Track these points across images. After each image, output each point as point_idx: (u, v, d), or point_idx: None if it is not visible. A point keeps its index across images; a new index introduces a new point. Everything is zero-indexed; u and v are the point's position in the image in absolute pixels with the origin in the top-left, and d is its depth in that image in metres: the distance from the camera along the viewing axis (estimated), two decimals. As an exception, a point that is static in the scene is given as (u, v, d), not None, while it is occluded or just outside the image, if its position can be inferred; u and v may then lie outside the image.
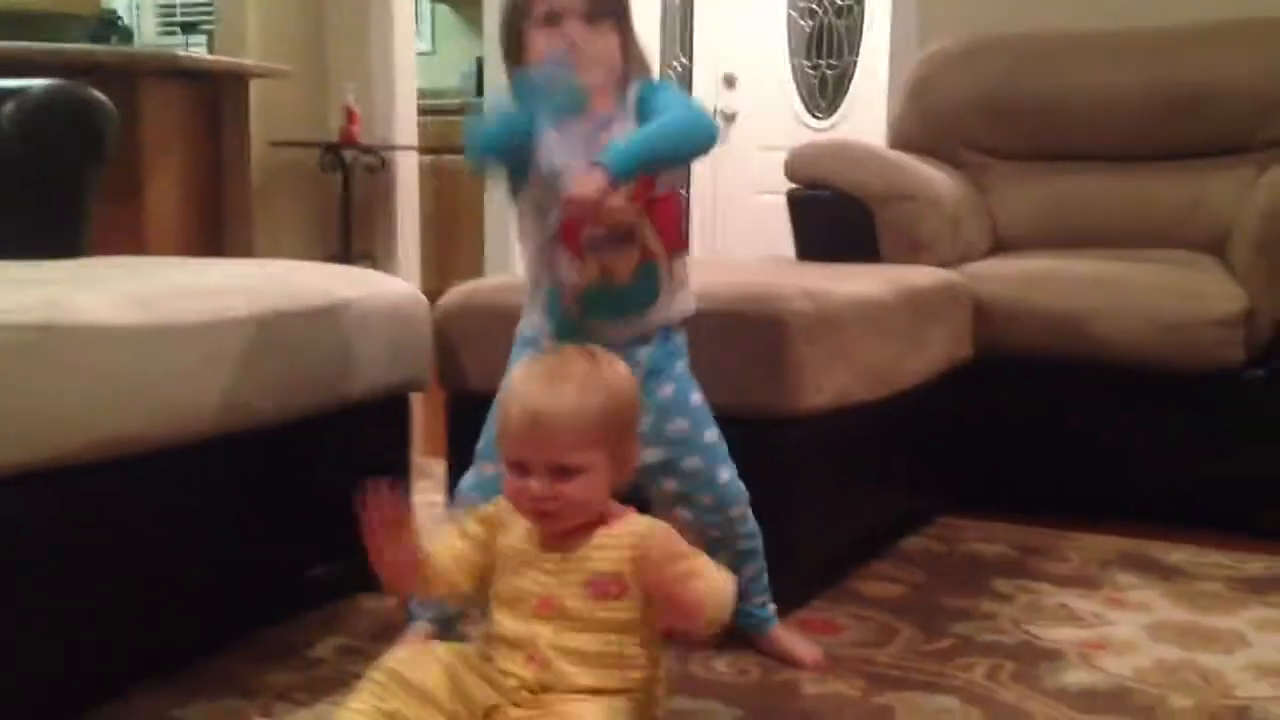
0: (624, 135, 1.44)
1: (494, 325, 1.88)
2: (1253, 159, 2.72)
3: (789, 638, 1.70)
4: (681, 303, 1.58)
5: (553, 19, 1.47)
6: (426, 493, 2.19)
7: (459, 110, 5.46)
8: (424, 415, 2.30)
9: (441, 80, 6.19)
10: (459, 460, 1.79)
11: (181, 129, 4.06)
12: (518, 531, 1.28)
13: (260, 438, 1.64)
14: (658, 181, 1.51)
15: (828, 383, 1.81)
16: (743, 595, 1.57)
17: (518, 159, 1.47)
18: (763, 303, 1.78)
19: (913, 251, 2.55)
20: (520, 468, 1.22)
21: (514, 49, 1.52)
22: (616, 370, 1.28)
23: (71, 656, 1.44)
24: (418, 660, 1.24)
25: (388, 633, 1.71)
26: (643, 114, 1.49)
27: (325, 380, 1.73)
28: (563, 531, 1.25)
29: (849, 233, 2.57)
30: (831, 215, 2.60)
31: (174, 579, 1.57)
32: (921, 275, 2.29)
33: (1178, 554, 2.19)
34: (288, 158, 4.36)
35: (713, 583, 1.20)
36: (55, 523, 1.38)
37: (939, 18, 3.35)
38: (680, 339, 1.61)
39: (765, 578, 1.68)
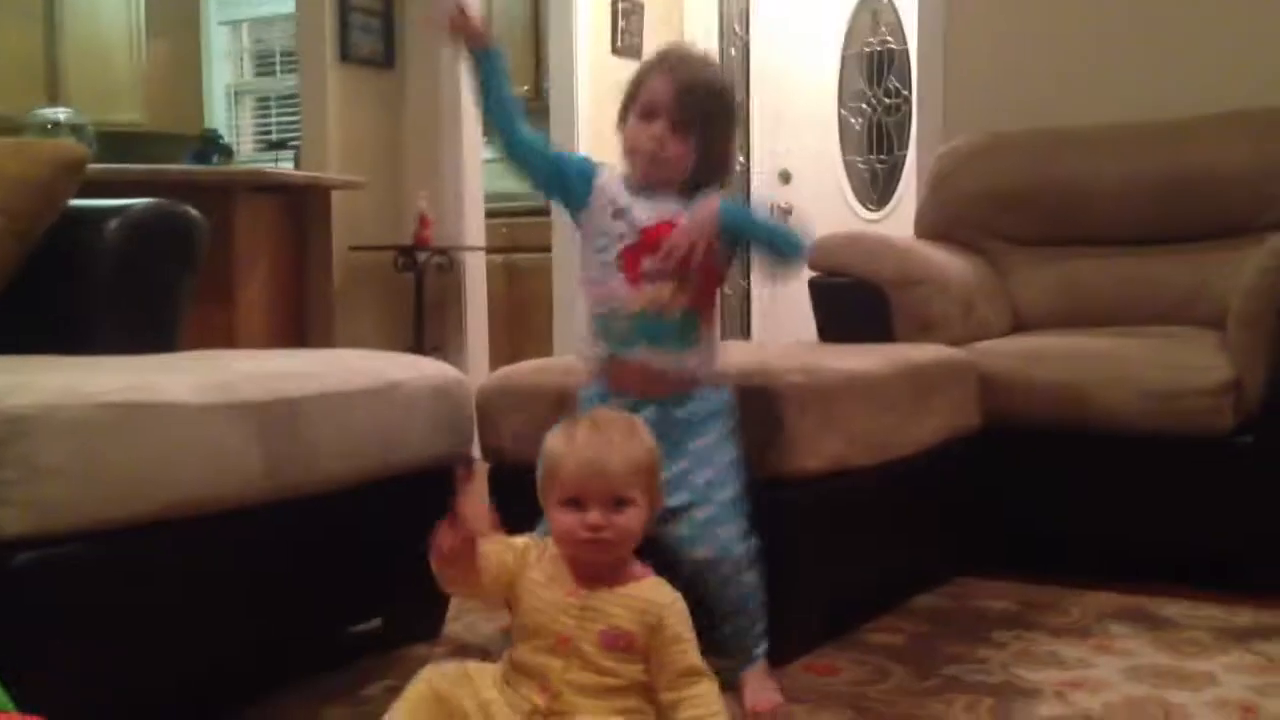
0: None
1: (529, 403, 2.13)
2: (1254, 241, 2.85)
3: (752, 683, 1.83)
4: (714, 364, 1.85)
5: (648, 113, 1.79)
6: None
7: (528, 213, 5.80)
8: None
9: (512, 184, 6.56)
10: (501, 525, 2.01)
11: (270, 236, 4.43)
12: (546, 571, 1.47)
13: (320, 501, 1.88)
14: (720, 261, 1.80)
15: (823, 449, 2.01)
16: (723, 651, 1.77)
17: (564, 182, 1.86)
18: (761, 377, 1.99)
19: (924, 332, 2.75)
20: (576, 504, 1.43)
21: (620, 125, 1.85)
22: (645, 429, 1.52)
23: (140, 694, 1.67)
24: (452, 677, 1.45)
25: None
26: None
27: (375, 452, 1.97)
28: (592, 576, 1.45)
29: (865, 316, 2.78)
30: (849, 300, 2.82)
31: (238, 627, 1.80)
32: (924, 352, 2.49)
33: (1173, 608, 2.32)
34: (366, 260, 4.70)
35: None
36: (135, 572, 1.62)
37: (960, 115, 3.58)
38: (723, 401, 1.86)
39: (748, 639, 1.83)
